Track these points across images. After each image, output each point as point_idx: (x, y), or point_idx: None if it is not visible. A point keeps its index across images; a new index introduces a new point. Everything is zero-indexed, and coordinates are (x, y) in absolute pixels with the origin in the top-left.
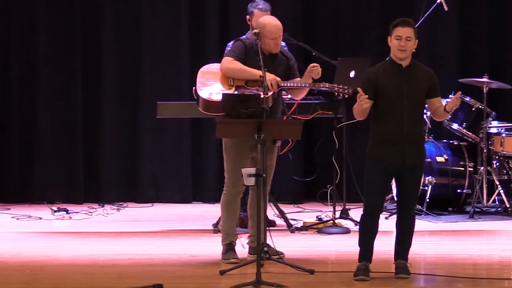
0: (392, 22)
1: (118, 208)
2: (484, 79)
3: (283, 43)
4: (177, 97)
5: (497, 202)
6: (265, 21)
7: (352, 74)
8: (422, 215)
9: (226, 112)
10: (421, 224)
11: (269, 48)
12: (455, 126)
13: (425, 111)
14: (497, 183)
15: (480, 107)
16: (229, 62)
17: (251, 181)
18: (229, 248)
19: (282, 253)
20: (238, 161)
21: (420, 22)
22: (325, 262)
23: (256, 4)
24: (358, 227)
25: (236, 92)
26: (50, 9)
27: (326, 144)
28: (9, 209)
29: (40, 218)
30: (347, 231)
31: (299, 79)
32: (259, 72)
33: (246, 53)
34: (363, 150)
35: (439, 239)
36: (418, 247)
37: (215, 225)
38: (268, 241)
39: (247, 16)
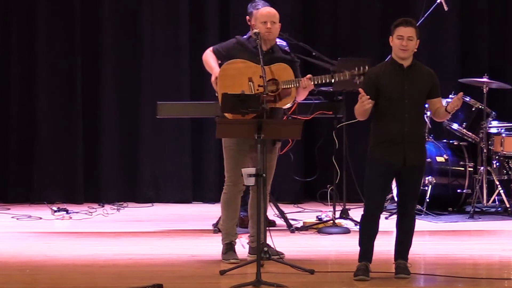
0: (394, 22)
1: (118, 208)
2: (484, 79)
3: (283, 43)
4: (177, 97)
5: (497, 202)
6: (259, 9)
7: None
8: (422, 215)
9: (226, 112)
10: (421, 224)
11: (261, 35)
12: (455, 126)
13: (425, 111)
14: (497, 183)
15: (480, 107)
16: (206, 53)
17: (251, 181)
18: (229, 248)
19: (282, 254)
20: (238, 160)
21: (420, 22)
22: (325, 262)
23: (256, 4)
24: (358, 227)
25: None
26: (50, 9)
27: (326, 144)
28: (9, 209)
29: (40, 218)
30: (347, 231)
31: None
32: (214, 72)
33: (231, 51)
34: (363, 150)
35: (439, 239)
36: (418, 247)
37: (215, 225)
38: (268, 241)
39: (247, 17)
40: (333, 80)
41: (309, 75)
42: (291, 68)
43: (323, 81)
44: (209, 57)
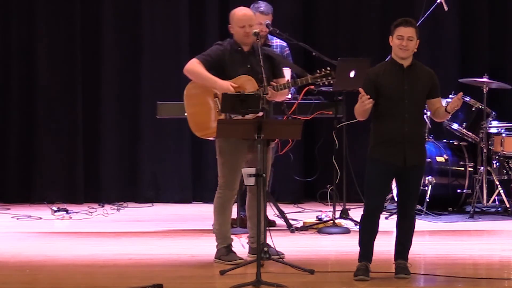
0: (394, 22)
1: (118, 208)
2: (484, 79)
3: (284, 43)
4: (177, 97)
5: (497, 202)
6: (236, 10)
7: (352, 74)
8: (422, 215)
9: (226, 112)
10: (421, 224)
11: (240, 38)
12: (455, 126)
13: (425, 111)
14: (497, 183)
15: (480, 107)
16: (193, 64)
17: (251, 181)
18: (229, 250)
19: (282, 254)
20: (234, 164)
21: (420, 22)
22: (325, 262)
23: (258, 6)
24: (358, 227)
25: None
26: (50, 9)
27: (326, 144)
28: (9, 209)
29: (40, 218)
30: (347, 231)
31: (284, 79)
32: (220, 82)
33: (222, 57)
34: (363, 150)
35: (439, 239)
36: (418, 247)
37: None
38: (268, 241)
39: None
40: (296, 85)
41: (273, 83)
42: (271, 64)
43: (287, 87)
44: (199, 68)
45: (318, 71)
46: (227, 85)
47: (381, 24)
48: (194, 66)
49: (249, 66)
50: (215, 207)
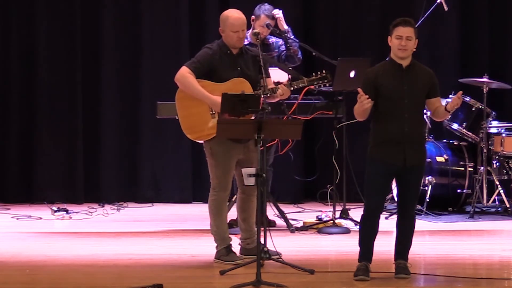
0: (393, 22)
1: (118, 208)
2: (484, 79)
3: (279, 41)
4: None
5: (497, 202)
6: (228, 13)
7: (352, 74)
8: (422, 215)
9: (226, 112)
10: (421, 224)
11: (232, 42)
12: (455, 126)
13: (425, 111)
14: (497, 183)
15: (480, 107)
16: (184, 76)
17: (251, 181)
18: (229, 250)
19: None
20: (227, 166)
21: (420, 22)
22: (325, 262)
23: (266, 9)
24: (358, 227)
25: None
26: (50, 9)
27: (326, 144)
28: (9, 209)
29: (40, 218)
30: (347, 231)
31: (271, 79)
32: (214, 98)
33: (212, 61)
34: (363, 150)
35: (439, 239)
36: (418, 247)
37: None
38: (268, 241)
39: (252, 17)
40: (291, 88)
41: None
42: (259, 65)
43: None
44: (191, 80)
45: (314, 74)
46: (219, 100)
47: (381, 24)
48: (185, 78)
49: (239, 68)
50: (211, 209)
